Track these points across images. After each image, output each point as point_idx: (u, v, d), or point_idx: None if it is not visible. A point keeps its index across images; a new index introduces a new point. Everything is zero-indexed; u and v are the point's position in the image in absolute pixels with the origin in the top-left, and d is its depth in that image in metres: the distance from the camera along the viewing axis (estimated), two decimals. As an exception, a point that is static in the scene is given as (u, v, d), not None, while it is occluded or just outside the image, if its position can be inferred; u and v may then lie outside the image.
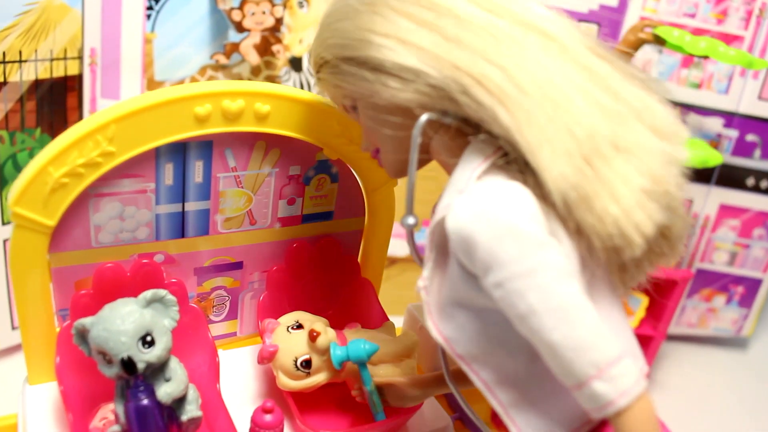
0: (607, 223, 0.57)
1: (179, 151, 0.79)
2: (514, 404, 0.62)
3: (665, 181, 0.59)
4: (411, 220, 0.65)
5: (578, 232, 0.58)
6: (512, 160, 0.59)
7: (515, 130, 0.57)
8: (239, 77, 1.44)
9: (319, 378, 0.81)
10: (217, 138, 0.80)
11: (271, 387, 0.87)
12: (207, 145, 0.80)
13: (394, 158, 0.69)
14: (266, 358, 0.80)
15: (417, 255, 0.68)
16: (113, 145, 0.73)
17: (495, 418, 0.74)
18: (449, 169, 0.65)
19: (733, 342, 1.89)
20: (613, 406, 0.55)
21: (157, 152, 0.77)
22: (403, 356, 0.85)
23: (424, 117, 0.62)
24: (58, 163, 0.71)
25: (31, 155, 1.33)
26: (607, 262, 0.61)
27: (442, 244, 0.62)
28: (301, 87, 1.49)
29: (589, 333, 0.55)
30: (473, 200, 0.57)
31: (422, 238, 1.69)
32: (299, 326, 0.82)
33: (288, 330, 0.82)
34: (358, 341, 0.78)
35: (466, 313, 0.62)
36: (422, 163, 0.69)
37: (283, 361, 0.80)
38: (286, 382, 0.80)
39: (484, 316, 0.61)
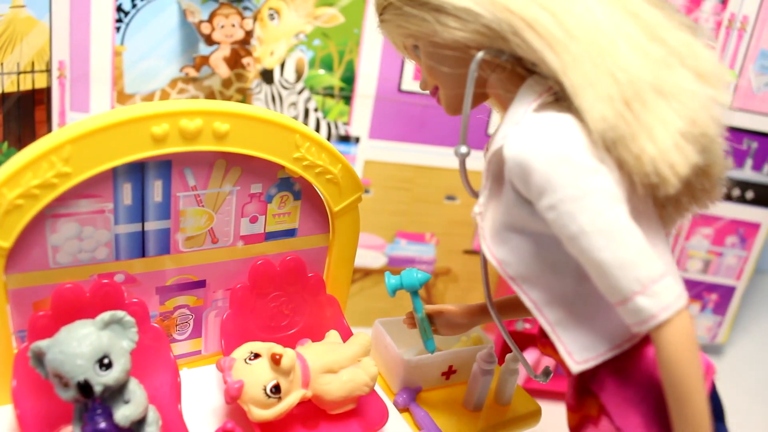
0: (643, 162, 0.60)
1: (137, 170, 0.78)
2: (560, 323, 0.67)
3: (704, 124, 0.62)
4: (463, 149, 0.70)
5: (620, 167, 0.62)
6: (562, 98, 0.63)
7: (561, 72, 0.61)
8: (210, 90, 1.44)
9: (291, 399, 0.80)
10: (176, 157, 0.79)
11: (234, 407, 0.87)
12: (166, 165, 0.79)
13: (453, 93, 0.74)
14: (234, 396, 0.77)
15: (468, 185, 0.74)
16: (69, 165, 0.72)
17: (541, 338, 0.80)
18: (506, 103, 0.70)
19: (708, 349, 1.90)
20: (655, 320, 0.59)
21: (114, 172, 0.76)
22: (360, 356, 0.86)
23: (480, 54, 0.66)
24: (11, 184, 0.70)
25: (-1, 170, 1.31)
26: (647, 196, 0.65)
27: (497, 172, 0.67)
28: (273, 99, 1.49)
29: (635, 252, 0.59)
30: (529, 130, 0.62)
31: (396, 250, 1.69)
32: (256, 355, 0.81)
33: (246, 362, 0.80)
34: (411, 270, 0.84)
35: (518, 236, 0.67)
36: (479, 98, 0.74)
37: (252, 393, 0.78)
38: (259, 414, 0.78)
39: (536, 239, 0.66)
